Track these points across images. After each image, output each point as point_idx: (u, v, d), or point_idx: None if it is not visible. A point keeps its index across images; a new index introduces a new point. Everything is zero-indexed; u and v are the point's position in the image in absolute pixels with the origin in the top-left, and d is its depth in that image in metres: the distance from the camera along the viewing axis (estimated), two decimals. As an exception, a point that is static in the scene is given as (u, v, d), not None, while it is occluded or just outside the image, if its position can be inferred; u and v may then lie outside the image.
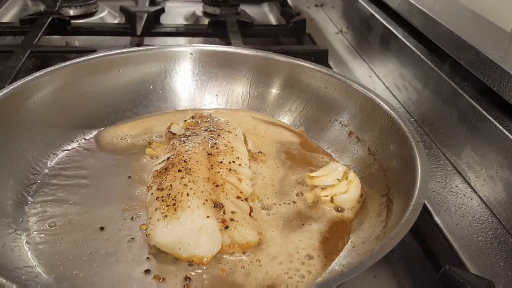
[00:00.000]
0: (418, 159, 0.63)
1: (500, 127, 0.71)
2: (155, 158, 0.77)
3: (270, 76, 0.91)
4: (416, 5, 0.99)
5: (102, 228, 0.64)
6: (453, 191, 0.76)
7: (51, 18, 1.19)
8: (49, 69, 0.79)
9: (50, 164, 0.75)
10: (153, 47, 0.92)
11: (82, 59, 0.84)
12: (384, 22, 1.12)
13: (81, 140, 0.81)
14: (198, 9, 1.48)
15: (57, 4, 1.28)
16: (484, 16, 0.93)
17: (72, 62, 0.83)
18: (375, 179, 0.72)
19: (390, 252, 0.66)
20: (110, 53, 0.87)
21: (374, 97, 0.77)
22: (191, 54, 0.91)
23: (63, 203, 0.68)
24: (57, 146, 0.78)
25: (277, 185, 0.74)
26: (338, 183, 0.71)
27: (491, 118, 0.73)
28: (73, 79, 0.82)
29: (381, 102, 0.75)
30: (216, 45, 0.96)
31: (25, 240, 0.61)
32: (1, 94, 0.71)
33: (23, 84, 0.75)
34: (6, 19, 1.37)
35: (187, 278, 0.57)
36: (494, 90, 0.73)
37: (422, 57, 0.94)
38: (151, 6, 1.37)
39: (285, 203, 0.70)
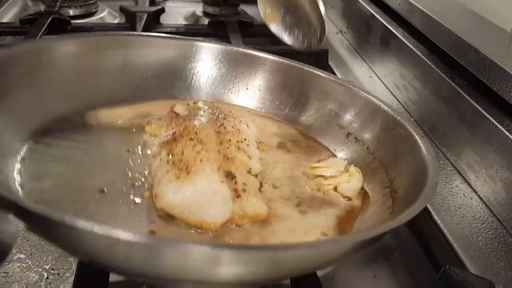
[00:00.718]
0: (424, 151, 0.62)
1: (500, 127, 0.71)
2: (154, 136, 0.74)
3: (274, 79, 0.91)
4: (416, 5, 0.99)
5: (102, 191, 0.61)
6: (453, 191, 0.77)
7: (51, 18, 1.18)
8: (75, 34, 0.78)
9: (50, 129, 0.71)
10: (175, 37, 0.89)
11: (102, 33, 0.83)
12: (384, 22, 1.12)
13: (84, 114, 0.77)
14: (198, 9, 1.48)
15: (57, 4, 1.27)
16: (484, 16, 0.93)
17: (95, 34, 0.82)
18: (377, 174, 0.71)
19: (390, 252, 0.66)
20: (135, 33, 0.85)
21: (374, 99, 0.77)
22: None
23: (60, 162, 0.65)
24: (59, 114, 0.74)
25: (286, 172, 0.72)
26: (340, 174, 0.70)
27: (491, 118, 0.73)
28: (90, 51, 0.79)
29: (381, 104, 0.75)
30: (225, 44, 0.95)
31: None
32: (18, 47, 0.69)
33: (40, 42, 0.73)
34: (6, 19, 1.36)
35: None
36: (494, 90, 0.73)
37: (422, 57, 0.94)
38: (151, 6, 1.36)
39: (295, 189, 0.68)
